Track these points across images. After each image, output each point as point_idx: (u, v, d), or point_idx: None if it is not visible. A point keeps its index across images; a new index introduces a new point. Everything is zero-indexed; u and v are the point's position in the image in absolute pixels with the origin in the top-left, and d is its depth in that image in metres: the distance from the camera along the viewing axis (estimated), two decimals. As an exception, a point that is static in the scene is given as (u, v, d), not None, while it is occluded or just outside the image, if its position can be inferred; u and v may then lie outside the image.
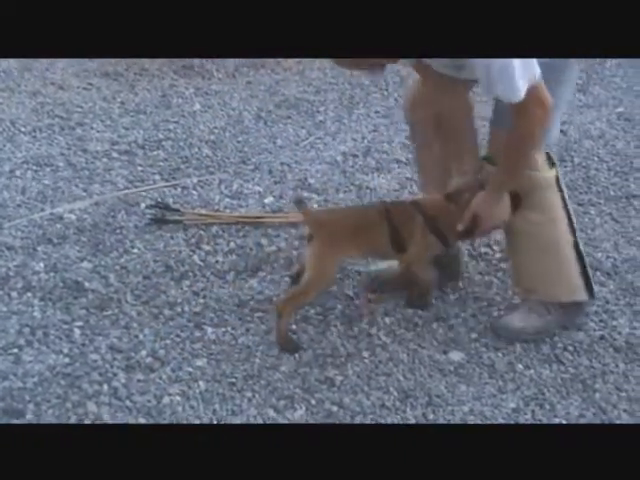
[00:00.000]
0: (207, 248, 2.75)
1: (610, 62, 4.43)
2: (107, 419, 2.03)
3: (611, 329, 2.42)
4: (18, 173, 3.22)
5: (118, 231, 2.84)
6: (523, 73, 1.94)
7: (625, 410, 2.13)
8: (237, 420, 2.05)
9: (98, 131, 3.61)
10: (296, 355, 2.27)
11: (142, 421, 2.03)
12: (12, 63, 4.26)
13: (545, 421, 2.08)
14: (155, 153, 3.43)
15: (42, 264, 2.63)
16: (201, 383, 2.17)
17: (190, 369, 2.22)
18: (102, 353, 2.26)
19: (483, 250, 2.76)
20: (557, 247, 2.33)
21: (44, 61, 4.30)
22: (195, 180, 3.22)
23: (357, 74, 4.13)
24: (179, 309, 2.45)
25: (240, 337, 2.35)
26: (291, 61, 4.40)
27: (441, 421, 2.07)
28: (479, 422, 2.07)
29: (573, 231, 2.34)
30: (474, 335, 2.38)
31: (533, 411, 2.12)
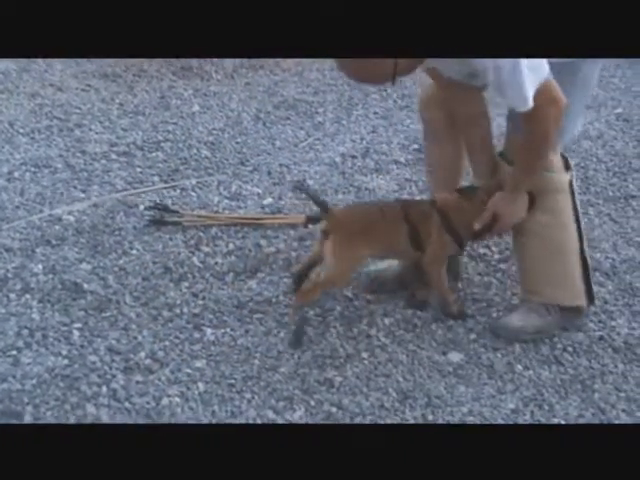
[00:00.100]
0: (206, 249, 2.75)
1: (609, 63, 4.43)
2: (106, 421, 2.03)
3: (610, 330, 2.42)
4: (16, 175, 3.22)
5: (117, 232, 2.84)
6: (531, 80, 1.94)
7: (624, 410, 2.13)
8: (236, 421, 2.05)
9: (97, 132, 3.61)
10: (295, 356, 2.27)
11: (141, 422, 2.03)
12: (10, 64, 4.27)
13: (544, 421, 2.08)
14: (154, 154, 3.43)
15: (41, 266, 2.63)
16: (200, 384, 2.17)
17: (189, 370, 2.22)
18: (101, 355, 2.26)
19: (482, 251, 2.77)
20: (564, 252, 2.33)
21: (42, 62, 4.31)
22: (194, 181, 3.22)
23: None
24: (178, 310, 2.45)
25: (239, 338, 2.35)
26: (290, 62, 4.41)
27: (440, 422, 2.07)
28: (478, 423, 2.07)
29: (581, 237, 2.34)
30: (473, 336, 2.38)
31: (532, 412, 2.12)
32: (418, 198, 2.97)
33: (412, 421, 2.07)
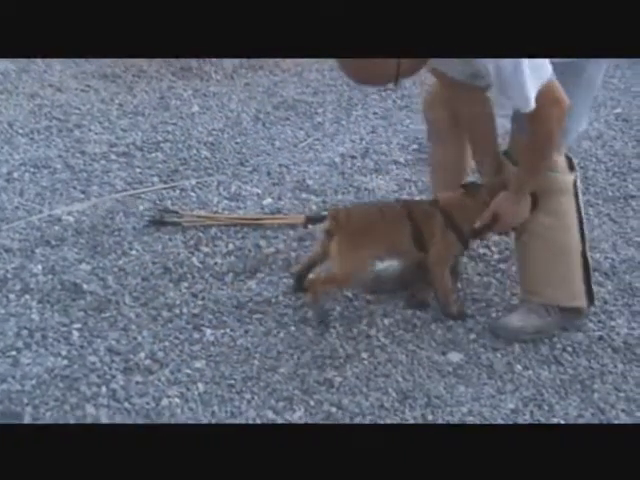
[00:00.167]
0: (206, 250, 2.75)
1: (609, 63, 4.43)
2: (105, 421, 2.03)
3: (609, 330, 2.42)
4: (16, 175, 3.22)
5: (116, 233, 2.84)
6: (533, 81, 1.94)
7: (623, 410, 2.13)
8: (236, 422, 2.05)
9: (96, 133, 3.61)
10: (295, 356, 2.27)
11: (141, 423, 2.03)
12: (10, 65, 4.26)
13: (544, 421, 2.08)
14: (153, 155, 3.43)
15: (40, 266, 2.63)
16: (200, 385, 2.17)
17: (189, 371, 2.22)
18: (100, 355, 2.26)
19: (482, 251, 2.76)
20: (566, 254, 2.33)
21: (42, 63, 4.31)
22: (193, 182, 3.22)
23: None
24: (178, 311, 2.45)
25: (239, 339, 2.35)
26: (289, 62, 4.41)
27: (440, 422, 2.07)
28: (478, 423, 2.07)
29: (583, 239, 2.34)
30: (473, 336, 2.38)
31: (532, 412, 2.12)
32: (418, 198, 2.97)
33: (412, 421, 2.07)
